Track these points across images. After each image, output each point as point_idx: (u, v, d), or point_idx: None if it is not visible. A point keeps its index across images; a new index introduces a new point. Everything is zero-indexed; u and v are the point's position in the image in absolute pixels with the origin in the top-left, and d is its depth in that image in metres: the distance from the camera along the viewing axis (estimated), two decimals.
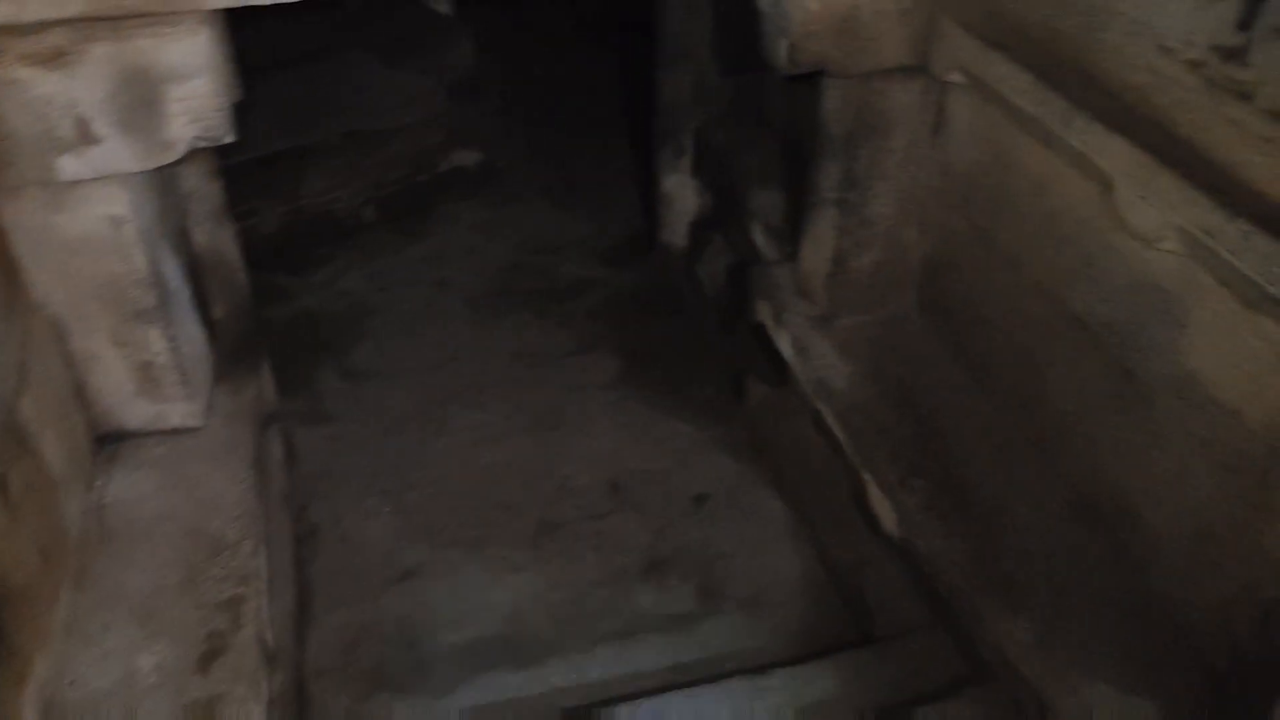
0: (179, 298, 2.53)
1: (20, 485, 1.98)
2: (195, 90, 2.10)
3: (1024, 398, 2.61)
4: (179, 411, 2.54)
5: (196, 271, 2.77)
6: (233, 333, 2.91)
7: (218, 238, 2.91)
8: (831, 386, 2.86)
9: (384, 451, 3.36)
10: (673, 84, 3.86)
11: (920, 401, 2.79)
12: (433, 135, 4.69)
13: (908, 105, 2.73)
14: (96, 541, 2.29)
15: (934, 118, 2.76)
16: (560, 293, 4.15)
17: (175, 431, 2.56)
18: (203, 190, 2.83)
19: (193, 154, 2.27)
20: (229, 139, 2.21)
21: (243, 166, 3.73)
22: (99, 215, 2.22)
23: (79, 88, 2.02)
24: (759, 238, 3.50)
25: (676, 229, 4.14)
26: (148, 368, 2.45)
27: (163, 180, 2.50)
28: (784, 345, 3.12)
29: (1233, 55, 1.81)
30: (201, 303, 2.75)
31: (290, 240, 4.32)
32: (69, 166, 2.10)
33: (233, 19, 2.28)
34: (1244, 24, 1.78)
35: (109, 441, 2.52)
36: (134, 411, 2.52)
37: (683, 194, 4.06)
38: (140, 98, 2.07)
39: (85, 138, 2.07)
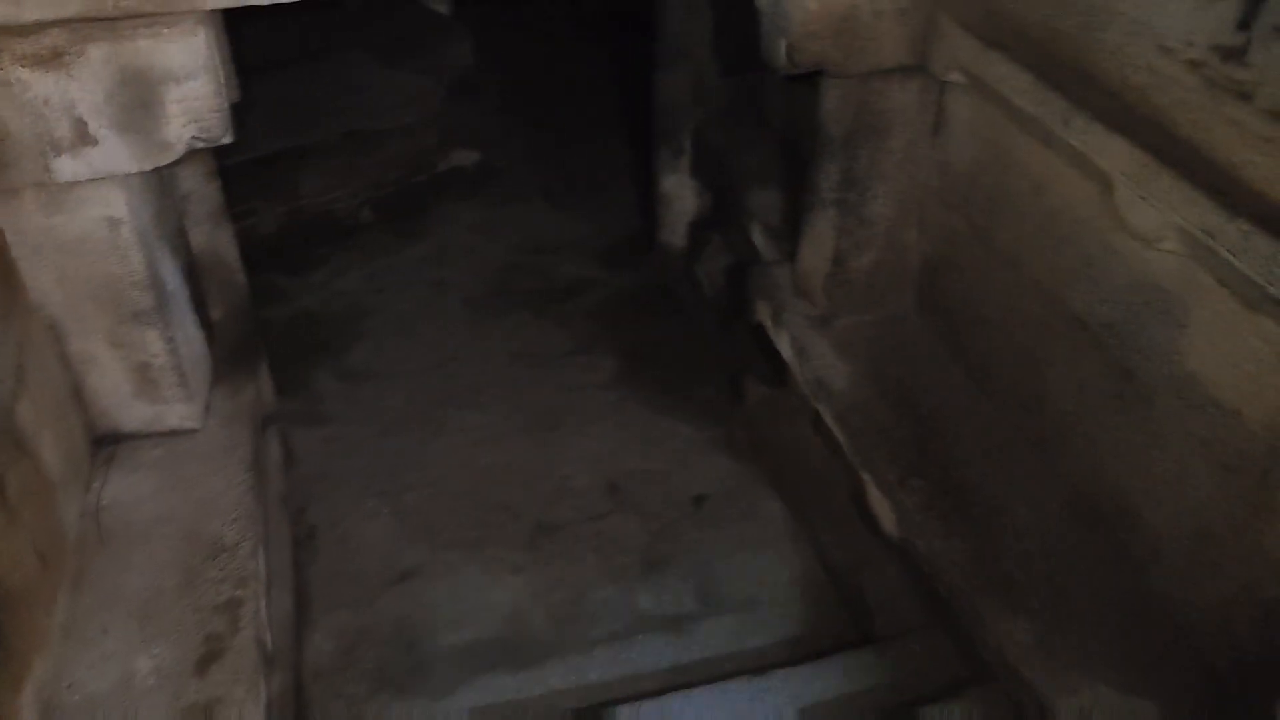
0: (177, 299, 2.52)
1: (18, 487, 1.98)
2: (193, 91, 2.10)
3: (1024, 398, 2.60)
4: (177, 413, 2.54)
5: (194, 272, 2.77)
6: (231, 334, 2.91)
7: (216, 238, 2.90)
8: (831, 387, 2.86)
9: (382, 453, 3.35)
10: (671, 84, 3.86)
11: (920, 402, 2.79)
12: (431, 135, 4.69)
13: (907, 105, 2.73)
14: (94, 543, 2.29)
15: (933, 118, 2.76)
16: (559, 293, 4.14)
17: (173, 433, 2.55)
18: (201, 191, 2.82)
19: (191, 155, 2.26)
20: (227, 140, 2.20)
21: (241, 167, 3.72)
22: (96, 216, 2.22)
23: (77, 88, 2.02)
24: (758, 238, 3.49)
25: (675, 229, 4.14)
26: (145, 369, 2.45)
27: (161, 181, 2.49)
28: (783, 345, 3.12)
29: (1232, 55, 1.81)
30: (199, 304, 2.74)
31: (288, 241, 4.32)
32: (66, 167, 2.09)
33: (230, 19, 2.27)
34: (1244, 24, 1.78)
35: (107, 443, 2.51)
36: (132, 413, 2.51)
37: (681, 194, 4.06)
38: (138, 98, 2.07)
39: (83, 138, 2.07)
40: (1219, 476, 2.01)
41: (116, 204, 2.21)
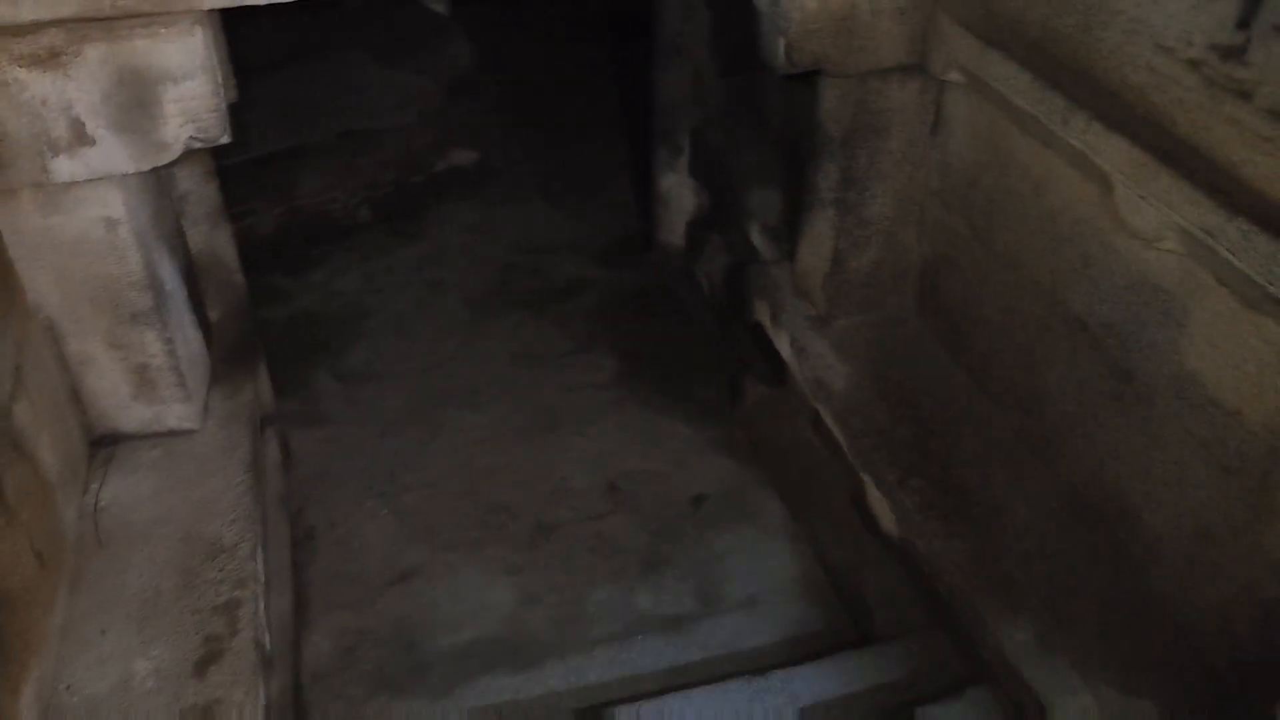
0: (175, 299, 2.52)
1: (16, 489, 1.97)
2: (191, 91, 2.09)
3: (1023, 398, 2.60)
4: (175, 414, 2.54)
5: (193, 273, 2.76)
6: (229, 334, 2.90)
7: (214, 239, 2.89)
8: (830, 387, 2.86)
9: (381, 453, 3.35)
10: (670, 84, 3.85)
11: (919, 402, 2.78)
12: (429, 135, 4.69)
13: (906, 105, 2.73)
14: (93, 545, 2.28)
15: (932, 117, 2.75)
16: (557, 293, 4.14)
17: (171, 434, 2.55)
18: (199, 191, 2.82)
19: (188, 155, 2.26)
20: (225, 140, 2.20)
21: (239, 167, 3.72)
22: (94, 217, 2.21)
23: (74, 88, 2.01)
24: (756, 238, 3.49)
25: (674, 229, 4.14)
26: (144, 370, 2.44)
27: (158, 181, 2.49)
28: (782, 345, 3.12)
29: (1232, 54, 1.80)
30: (198, 304, 2.74)
31: (286, 241, 4.31)
32: (64, 168, 2.09)
33: (228, 19, 2.27)
34: (1243, 22, 1.78)
35: (105, 444, 2.51)
36: (130, 414, 2.51)
37: (680, 194, 4.06)
38: (135, 98, 2.07)
39: (80, 139, 2.06)
40: (1219, 477, 2.01)
41: (114, 204, 2.21)
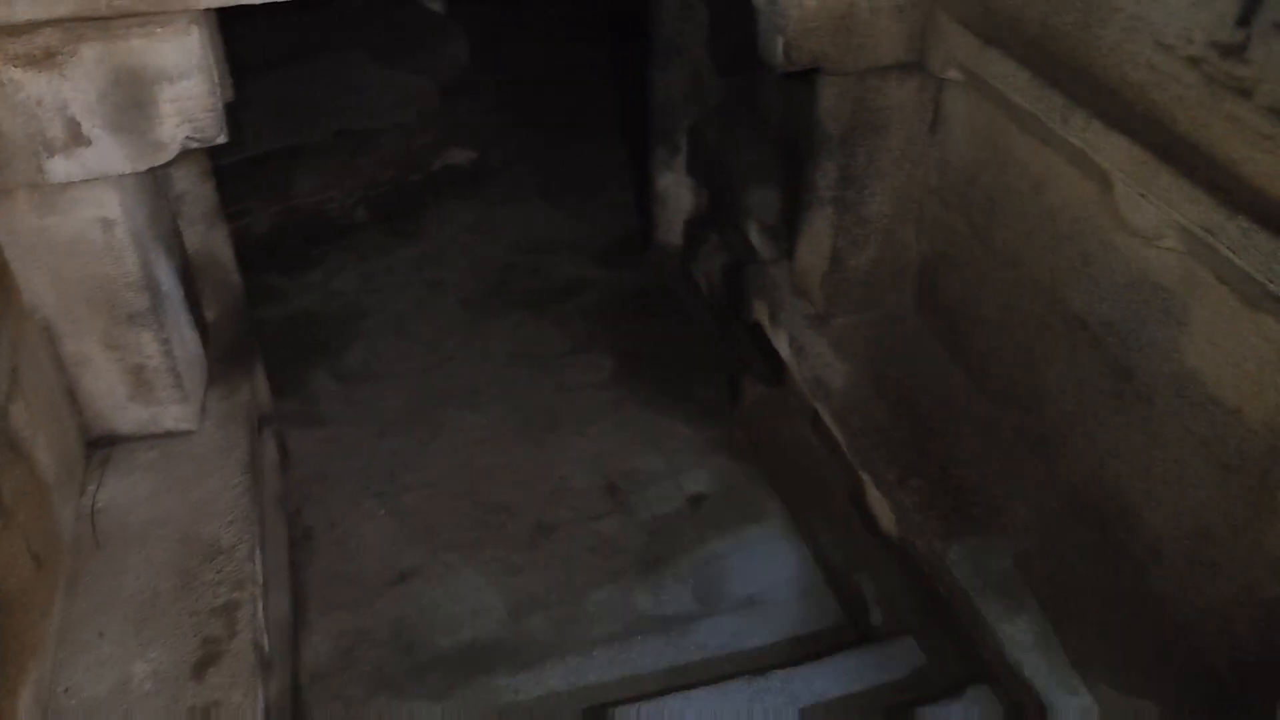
0: (171, 300, 2.51)
1: (12, 490, 1.97)
2: (187, 91, 2.09)
3: (1023, 397, 2.60)
4: (172, 415, 2.53)
5: (189, 273, 2.75)
6: (226, 335, 2.89)
7: (210, 239, 2.89)
8: (829, 386, 2.85)
9: (379, 454, 3.34)
10: (667, 82, 3.84)
11: (918, 401, 2.78)
12: (427, 135, 4.68)
13: (904, 103, 2.72)
14: (90, 546, 2.28)
15: (931, 115, 2.75)
16: (555, 293, 4.13)
17: (168, 435, 2.54)
18: (195, 191, 2.81)
19: (185, 155, 2.25)
20: (221, 139, 2.19)
21: (236, 166, 3.71)
22: (90, 217, 2.20)
23: (70, 88, 2.00)
24: (755, 236, 3.48)
25: (672, 228, 4.13)
26: (140, 371, 2.43)
27: (155, 181, 2.48)
28: (781, 345, 3.11)
29: (1232, 51, 1.80)
30: (194, 305, 2.73)
31: (283, 241, 4.30)
32: (60, 168, 2.08)
33: (224, 18, 2.26)
34: (1243, 20, 1.77)
35: (101, 445, 2.50)
36: (127, 415, 2.50)
37: (678, 193, 4.05)
38: (131, 98, 2.06)
39: (76, 139, 2.06)
40: (1219, 476, 2.01)
41: (110, 205, 2.20)
